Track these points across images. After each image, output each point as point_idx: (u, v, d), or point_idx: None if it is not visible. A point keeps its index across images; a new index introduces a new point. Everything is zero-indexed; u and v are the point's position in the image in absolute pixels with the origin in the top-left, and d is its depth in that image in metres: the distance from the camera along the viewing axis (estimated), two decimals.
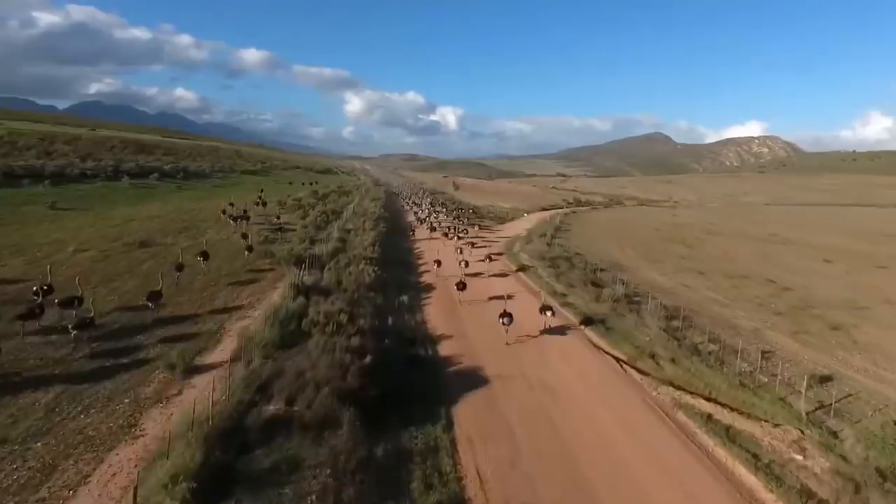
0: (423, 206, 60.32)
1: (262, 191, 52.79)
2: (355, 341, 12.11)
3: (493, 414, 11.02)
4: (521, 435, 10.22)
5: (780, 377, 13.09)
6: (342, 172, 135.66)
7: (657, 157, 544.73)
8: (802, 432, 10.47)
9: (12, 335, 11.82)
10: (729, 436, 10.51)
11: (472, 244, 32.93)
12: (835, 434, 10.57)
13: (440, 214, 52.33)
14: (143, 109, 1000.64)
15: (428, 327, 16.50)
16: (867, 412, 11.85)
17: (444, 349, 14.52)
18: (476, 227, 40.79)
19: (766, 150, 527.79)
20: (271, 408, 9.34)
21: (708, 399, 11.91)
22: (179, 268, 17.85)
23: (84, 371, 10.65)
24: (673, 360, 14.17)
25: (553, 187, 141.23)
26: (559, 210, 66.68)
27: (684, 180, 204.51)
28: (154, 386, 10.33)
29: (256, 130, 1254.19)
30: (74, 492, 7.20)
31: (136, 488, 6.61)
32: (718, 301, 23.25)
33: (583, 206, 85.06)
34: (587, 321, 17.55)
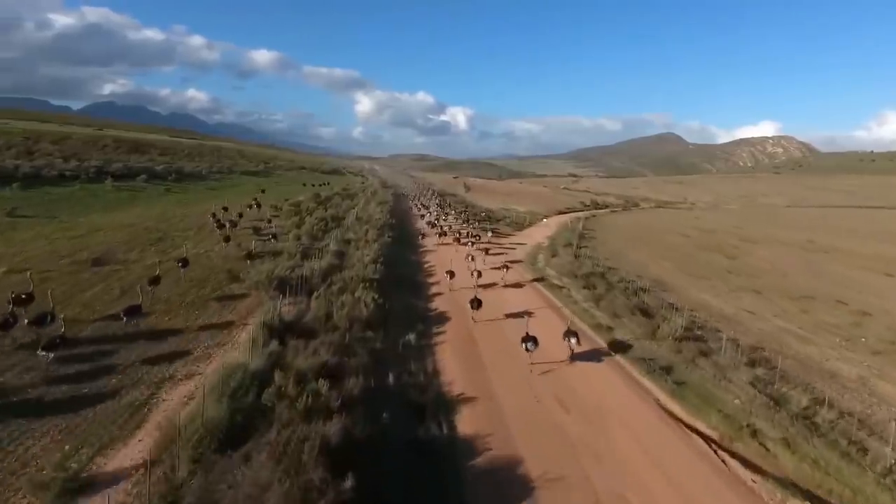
0: (432, 208, 56.43)
1: (262, 191, 49.32)
2: (335, 429, 8.19)
3: None
4: None
5: None
6: (350, 173, 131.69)
7: (669, 157, 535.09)
8: None
9: None
10: None
11: (486, 251, 29.90)
12: None
13: (449, 217, 48.53)
14: (155, 110, 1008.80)
15: (442, 380, 12.51)
16: None
17: (465, 421, 10.54)
18: (489, 233, 36.91)
19: (780, 150, 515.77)
20: None
21: None
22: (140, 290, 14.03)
23: None
24: (786, 442, 10.09)
25: (565, 188, 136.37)
26: (578, 214, 62.27)
27: (698, 181, 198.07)
28: None
29: (267, 131, 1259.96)
30: None
31: None
32: (794, 333, 19.03)
33: (600, 208, 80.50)
34: (649, 369, 13.55)
